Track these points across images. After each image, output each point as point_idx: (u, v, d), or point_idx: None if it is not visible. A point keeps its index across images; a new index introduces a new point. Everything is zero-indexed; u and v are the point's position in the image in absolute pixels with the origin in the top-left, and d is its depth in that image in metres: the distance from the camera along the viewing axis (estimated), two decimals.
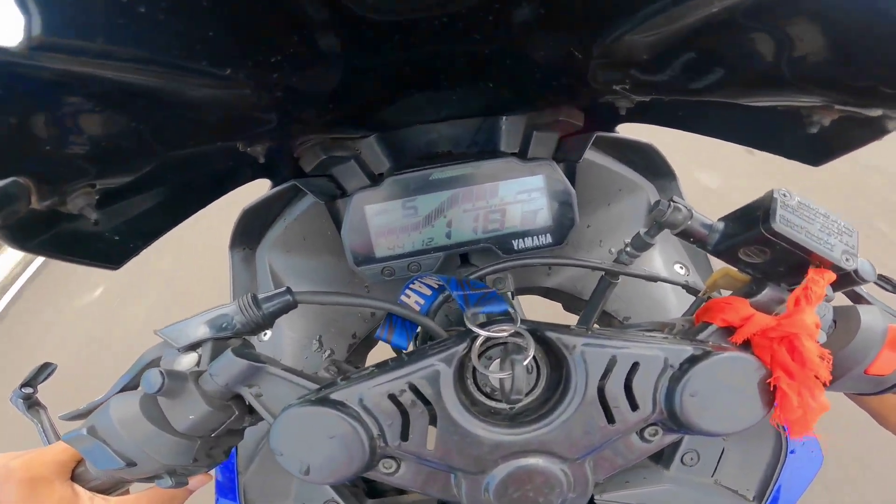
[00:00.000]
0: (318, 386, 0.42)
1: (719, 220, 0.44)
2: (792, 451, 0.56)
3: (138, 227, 0.47)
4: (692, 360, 0.38)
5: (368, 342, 0.80)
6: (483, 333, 0.40)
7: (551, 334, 0.40)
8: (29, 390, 0.59)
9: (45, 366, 0.61)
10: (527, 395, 0.42)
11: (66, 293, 3.56)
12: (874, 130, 0.38)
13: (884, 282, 0.64)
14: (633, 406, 0.39)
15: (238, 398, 0.45)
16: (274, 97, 0.46)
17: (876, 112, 0.35)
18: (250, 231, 0.76)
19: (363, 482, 0.66)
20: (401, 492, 0.64)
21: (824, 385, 0.37)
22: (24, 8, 0.23)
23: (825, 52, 0.32)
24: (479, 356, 0.41)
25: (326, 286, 0.75)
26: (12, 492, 0.44)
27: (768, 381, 0.38)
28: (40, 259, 3.91)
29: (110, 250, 0.46)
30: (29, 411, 0.59)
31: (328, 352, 0.75)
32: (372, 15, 0.35)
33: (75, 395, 0.66)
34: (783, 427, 0.53)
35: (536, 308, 0.90)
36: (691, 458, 0.55)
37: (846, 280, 0.40)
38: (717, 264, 0.72)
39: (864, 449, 1.56)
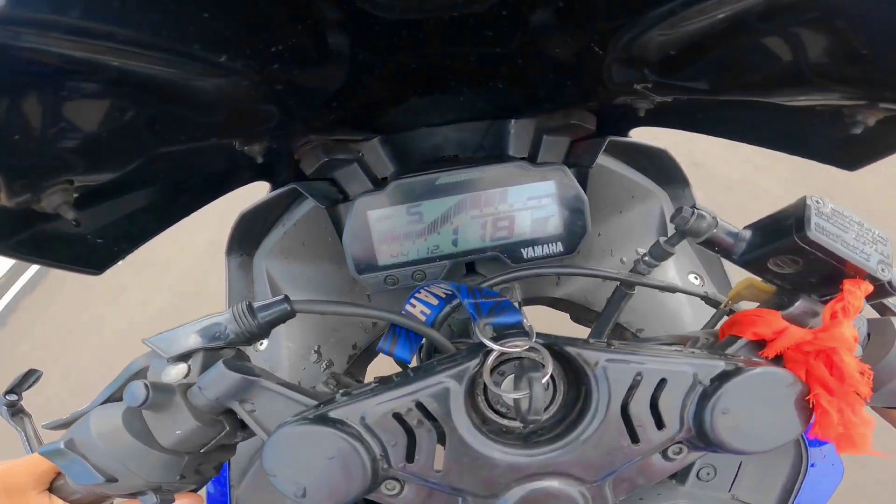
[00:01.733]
0: (315, 402, 0.39)
1: (745, 228, 0.42)
2: (812, 465, 0.55)
3: (124, 230, 0.45)
4: (724, 377, 0.36)
5: (369, 353, 0.78)
6: (497, 348, 0.37)
7: (571, 349, 0.37)
8: (13, 397, 0.57)
9: (31, 373, 0.60)
10: (543, 412, 0.39)
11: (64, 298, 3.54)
12: None
13: None
14: (660, 425, 0.37)
15: (229, 412, 0.42)
16: (273, 91, 0.44)
17: None
18: (248, 236, 0.74)
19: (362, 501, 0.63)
20: None
21: (867, 399, 0.36)
22: None
23: (873, 46, 0.31)
24: (491, 371, 0.38)
25: (326, 295, 0.73)
26: None
27: (806, 397, 0.36)
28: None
29: (92, 254, 0.44)
30: (13, 419, 0.58)
31: (327, 363, 0.73)
32: (382, 14, 0.34)
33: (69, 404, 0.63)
34: (805, 439, 0.51)
35: (541, 318, 0.87)
36: (708, 473, 0.53)
37: (881, 291, 0.38)
38: (734, 275, 0.70)
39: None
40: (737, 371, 0.36)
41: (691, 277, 0.72)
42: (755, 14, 0.32)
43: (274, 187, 0.70)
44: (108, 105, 0.32)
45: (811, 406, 0.36)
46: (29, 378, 0.59)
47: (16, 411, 0.57)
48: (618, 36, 0.41)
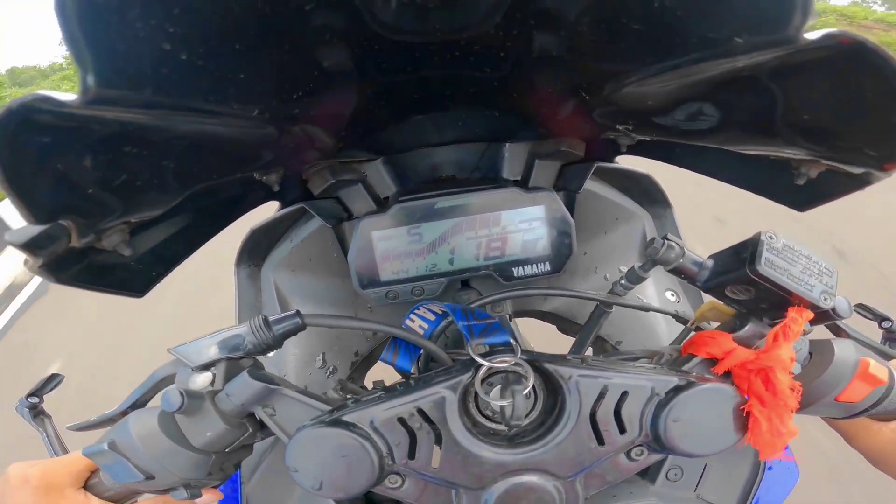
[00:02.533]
0: (329, 407, 0.44)
1: (709, 257, 0.46)
2: (770, 468, 0.59)
3: (160, 256, 0.49)
4: (676, 390, 0.41)
5: (369, 360, 0.82)
6: (486, 364, 0.43)
7: (549, 366, 0.43)
8: (35, 400, 0.61)
9: (53, 377, 0.63)
10: (524, 417, 0.45)
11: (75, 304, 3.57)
12: (857, 182, 0.40)
13: (863, 310, 0.68)
14: (622, 430, 0.42)
15: (251, 416, 0.47)
16: (293, 130, 0.48)
17: (858, 170, 0.38)
18: (256, 249, 0.78)
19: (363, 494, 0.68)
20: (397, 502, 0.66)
21: (794, 412, 0.41)
22: (80, 63, 0.26)
23: (819, 113, 0.35)
24: (482, 382, 0.44)
25: (331, 306, 0.77)
26: (28, 499, 0.47)
27: (742, 407, 0.41)
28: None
29: (136, 279, 0.48)
30: (34, 420, 0.61)
31: (331, 369, 0.77)
32: (393, 35, 0.36)
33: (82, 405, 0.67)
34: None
35: (534, 327, 0.92)
36: (675, 474, 0.57)
37: (824, 317, 0.42)
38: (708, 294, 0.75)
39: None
40: (688, 385, 0.41)
41: (668, 294, 0.77)
42: (717, 82, 0.36)
43: (283, 206, 0.73)
44: (161, 158, 0.37)
45: (745, 415, 0.41)
46: (51, 382, 0.63)
47: (37, 413, 0.61)
48: (606, 86, 0.44)
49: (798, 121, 0.37)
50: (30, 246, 0.32)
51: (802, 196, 0.47)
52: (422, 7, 0.32)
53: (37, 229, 0.31)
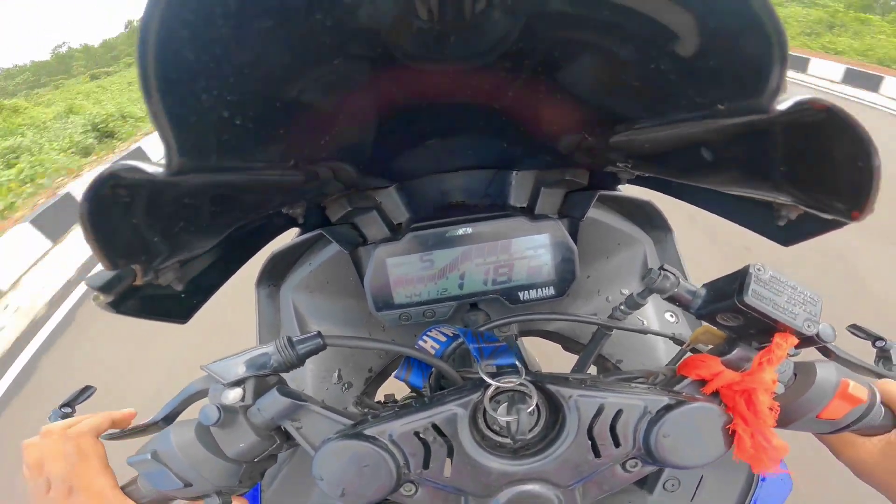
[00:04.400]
0: (351, 422, 0.48)
1: (702, 286, 0.50)
2: (763, 479, 0.62)
3: (201, 285, 0.54)
4: (667, 408, 0.45)
5: (383, 376, 0.85)
6: (494, 383, 0.47)
7: (551, 387, 0.47)
8: (68, 410, 0.63)
9: (86, 388, 0.66)
10: (528, 432, 0.49)
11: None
12: (833, 224, 0.43)
13: (857, 330, 0.71)
14: (617, 443, 0.46)
15: (279, 429, 0.51)
16: (320, 169, 0.52)
17: (830, 217, 0.41)
18: (275, 271, 0.82)
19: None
20: None
21: (773, 427, 0.44)
22: (165, 141, 0.31)
23: (796, 166, 0.39)
24: (490, 400, 0.48)
25: (346, 326, 0.81)
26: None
27: (728, 425, 0.45)
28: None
29: (181, 307, 0.53)
30: None
31: (347, 384, 0.80)
32: (413, 63, 0.38)
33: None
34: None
35: (540, 343, 0.94)
36: (672, 485, 0.60)
37: (809, 342, 0.45)
38: None
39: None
40: (677, 404, 0.45)
41: (667, 315, 0.80)
42: (706, 135, 0.40)
43: (303, 232, 0.77)
44: (215, 209, 0.42)
45: (730, 433, 0.45)
46: (84, 393, 0.65)
47: None
48: (602, 129, 0.48)
49: (778, 171, 0.40)
50: (103, 288, 0.37)
51: (786, 233, 0.51)
52: (440, 33, 0.35)
53: (111, 274, 0.36)
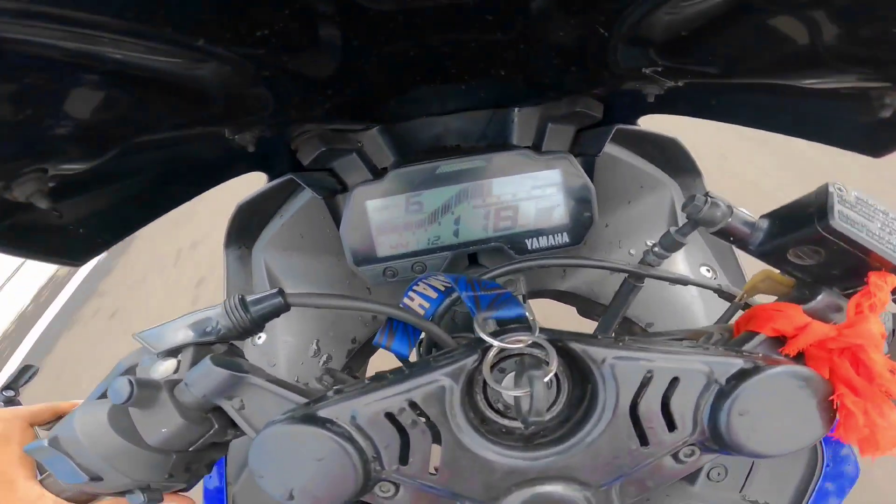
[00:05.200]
0: (306, 399, 0.38)
1: (762, 217, 0.41)
2: (827, 465, 0.55)
3: (107, 221, 0.46)
4: (741, 375, 0.34)
5: (369, 348, 0.78)
6: (496, 344, 0.36)
7: (576, 346, 0.36)
8: (10, 393, 0.58)
9: (27, 368, 0.62)
10: (546, 412, 0.38)
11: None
12: None
13: None
14: (671, 426, 0.36)
15: (219, 410, 0.41)
16: (261, 77, 0.44)
17: None
18: (246, 229, 0.75)
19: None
20: None
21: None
22: None
23: (889, 27, 0.31)
24: (492, 368, 0.37)
25: (326, 288, 0.74)
26: None
27: (829, 398, 0.35)
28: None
29: (73, 245, 0.45)
30: None
31: (326, 357, 0.73)
32: (375, 6, 0.33)
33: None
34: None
35: (547, 311, 0.87)
36: (718, 474, 0.52)
37: None
38: (748, 268, 0.68)
39: None
40: (756, 369, 0.34)
41: (703, 270, 0.71)
42: None
43: (271, 178, 0.70)
44: (78, 92, 0.32)
45: (835, 407, 0.34)
46: (25, 373, 0.61)
47: (13, 406, 0.59)
48: (623, 16, 0.40)
49: (879, 39, 0.33)
50: None
51: (879, 138, 0.43)
52: None
53: None
